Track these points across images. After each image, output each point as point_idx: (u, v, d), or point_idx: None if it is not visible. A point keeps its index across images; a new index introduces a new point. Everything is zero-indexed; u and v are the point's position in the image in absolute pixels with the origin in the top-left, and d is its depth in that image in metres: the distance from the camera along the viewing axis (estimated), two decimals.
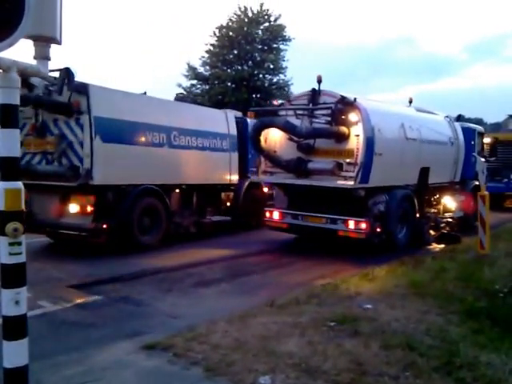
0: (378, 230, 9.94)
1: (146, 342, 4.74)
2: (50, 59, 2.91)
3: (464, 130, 13.75)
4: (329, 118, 9.78)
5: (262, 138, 10.68)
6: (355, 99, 9.67)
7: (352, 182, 9.52)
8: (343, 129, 9.68)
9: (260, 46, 41.72)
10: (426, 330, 5.08)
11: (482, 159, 14.61)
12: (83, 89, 9.09)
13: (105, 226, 9.31)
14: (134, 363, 4.35)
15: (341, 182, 9.66)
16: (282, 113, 10.71)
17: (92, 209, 9.28)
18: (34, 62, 2.88)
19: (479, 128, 15.78)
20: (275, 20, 41.61)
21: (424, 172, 11.45)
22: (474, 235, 9.88)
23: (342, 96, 9.80)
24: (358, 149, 9.59)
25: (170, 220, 10.85)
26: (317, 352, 4.45)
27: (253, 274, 8.45)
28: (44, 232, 10.11)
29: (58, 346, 4.79)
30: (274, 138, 10.83)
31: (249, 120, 13.45)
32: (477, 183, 13.53)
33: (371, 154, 9.59)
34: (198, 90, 42.25)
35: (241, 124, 13.37)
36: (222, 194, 12.95)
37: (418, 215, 11.30)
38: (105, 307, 6.32)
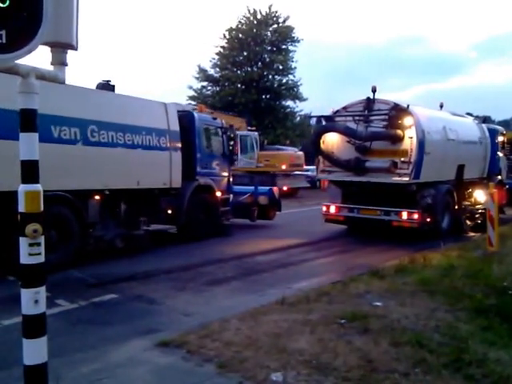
0: (428, 219, 11.39)
1: (160, 340, 4.83)
2: (67, 65, 2.99)
3: (489, 130, 15.25)
4: (385, 123, 11.33)
5: (321, 141, 12.27)
6: (408, 106, 11.23)
7: (407, 178, 11.10)
8: (398, 132, 11.24)
9: (269, 48, 41.81)
10: (436, 327, 5.12)
11: (504, 157, 16.32)
12: None
13: None
14: (149, 360, 4.44)
15: (396, 179, 11.22)
16: (338, 119, 12.28)
17: None
18: (51, 68, 2.97)
19: (501, 129, 17.19)
20: (284, 21, 41.67)
21: (460, 169, 13.02)
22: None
23: (395, 103, 11.46)
24: (411, 149, 11.11)
25: (85, 233, 8.99)
26: (327, 349, 4.51)
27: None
28: None
29: (74, 344, 4.91)
30: (331, 140, 12.34)
31: (196, 114, 12.12)
32: (500, 178, 15.48)
33: (422, 153, 11.08)
34: (208, 92, 42.44)
35: (186, 118, 11.63)
36: (162, 200, 10.78)
37: (456, 207, 12.91)
38: (120, 305, 6.45)
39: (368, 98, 11.76)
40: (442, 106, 14.03)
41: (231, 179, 13.31)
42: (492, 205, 9.73)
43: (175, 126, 10.89)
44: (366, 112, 11.78)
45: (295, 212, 19.20)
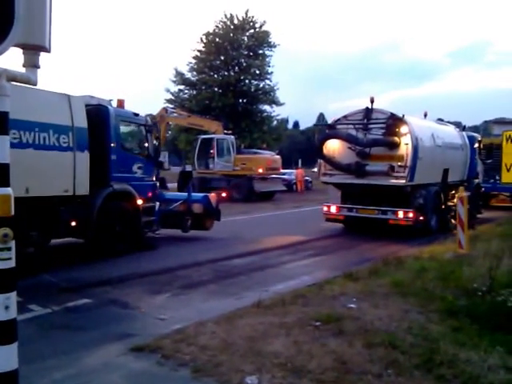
0: (421, 218, 12.59)
1: (134, 344, 4.80)
2: (39, 67, 2.95)
3: (468, 137, 16.52)
4: (383, 131, 12.56)
5: (323, 147, 13.34)
6: (403, 116, 12.51)
7: (404, 181, 12.39)
8: (395, 139, 12.50)
9: (246, 52, 42.03)
10: (408, 328, 5.20)
11: (480, 162, 17.72)
12: None
13: None
14: (123, 365, 4.41)
15: (394, 181, 12.50)
16: (339, 126, 13.39)
17: None
18: (23, 70, 2.93)
19: (478, 136, 18.64)
20: (260, 26, 41.98)
21: (445, 172, 14.25)
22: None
23: (391, 113, 12.73)
24: (407, 154, 12.37)
25: None
26: (302, 351, 4.54)
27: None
28: None
29: (47, 350, 4.82)
30: (332, 146, 13.40)
31: (112, 108, 10.29)
32: (477, 181, 17.08)
33: (416, 158, 12.36)
34: (185, 95, 42.38)
35: (98, 113, 9.87)
36: (63, 211, 8.91)
37: (443, 207, 14.07)
38: (94, 310, 6.36)
39: (367, 108, 12.93)
40: (426, 115, 15.22)
41: (158, 184, 11.83)
42: (462, 208, 9.98)
43: (82, 121, 9.07)
44: (365, 121, 12.95)
45: (270, 215, 19.29)
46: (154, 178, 11.53)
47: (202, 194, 13.19)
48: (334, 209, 13.74)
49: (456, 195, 14.81)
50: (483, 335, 4.98)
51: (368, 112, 12.94)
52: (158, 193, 11.75)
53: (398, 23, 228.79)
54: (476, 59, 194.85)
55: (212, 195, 12.87)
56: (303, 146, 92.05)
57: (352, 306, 6.01)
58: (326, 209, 13.98)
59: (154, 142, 11.50)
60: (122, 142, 10.51)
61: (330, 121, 14.23)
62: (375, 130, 12.77)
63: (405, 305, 6.05)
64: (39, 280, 7.70)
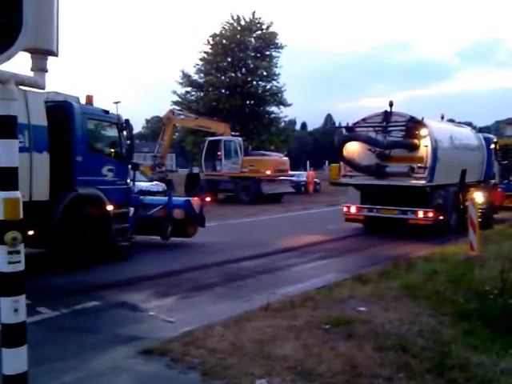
0: (441, 217, 12.95)
1: (143, 347, 4.79)
2: (47, 71, 2.96)
3: (485, 139, 16.89)
4: (403, 133, 12.97)
5: (343, 149, 13.72)
6: (423, 118, 12.95)
7: (423, 181, 12.84)
8: (415, 141, 12.90)
9: (253, 54, 42.08)
10: (419, 331, 5.15)
11: (496, 162, 17.98)
12: None
13: None
14: (132, 368, 4.40)
15: (414, 182, 12.94)
16: (358, 129, 13.81)
17: None
18: (31, 74, 2.93)
19: (494, 137, 18.99)
20: (267, 28, 42.03)
21: (463, 173, 14.62)
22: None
23: (411, 116, 13.13)
24: (426, 156, 12.80)
25: None
26: (312, 355, 4.51)
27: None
28: None
29: (56, 352, 4.83)
30: (352, 148, 13.76)
31: (77, 105, 9.24)
32: (494, 181, 17.40)
33: (435, 159, 12.76)
34: (192, 97, 42.50)
35: (61, 110, 8.96)
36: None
37: (461, 206, 14.04)
38: (102, 312, 6.36)
39: (386, 111, 13.42)
40: (443, 117, 15.65)
41: (133, 187, 10.84)
42: (473, 210, 9.89)
43: (40, 119, 8.20)
44: (385, 123, 13.36)
45: (278, 218, 19.27)
46: (129, 181, 10.40)
47: (183, 199, 12.36)
48: (353, 209, 14.07)
49: (468, 196, 15.08)
50: (495, 338, 4.93)
51: (387, 115, 13.38)
52: (132, 197, 10.65)
53: (407, 22, 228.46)
54: (486, 58, 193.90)
55: (195, 199, 12.00)
56: (311, 147, 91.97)
57: (362, 309, 5.97)
58: (345, 209, 14.31)
59: (128, 141, 10.52)
60: (89, 141, 9.46)
61: (342, 123, 14.95)
62: (395, 133, 13.21)
63: (416, 308, 6.00)
64: (48, 282, 7.73)
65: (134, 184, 10.88)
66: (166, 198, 11.52)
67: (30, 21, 2.55)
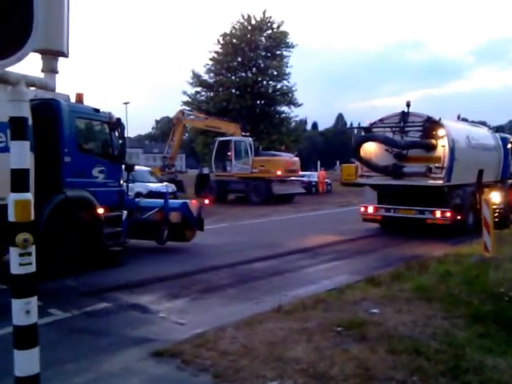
0: (459, 217, 13.01)
1: (154, 349, 4.78)
2: (57, 72, 2.97)
3: (501, 139, 16.86)
4: (420, 133, 13.04)
5: (360, 149, 13.82)
6: (440, 119, 13.03)
7: (441, 181, 12.93)
8: (433, 141, 12.96)
9: (263, 53, 42.01)
10: (433, 334, 5.09)
11: None
12: None
13: None
14: (143, 370, 4.39)
15: (431, 182, 13.03)
16: (375, 129, 13.96)
17: None
18: (41, 76, 2.94)
19: (510, 137, 18.53)
20: (278, 27, 41.93)
21: (480, 173, 14.65)
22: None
23: (428, 116, 13.18)
24: (444, 156, 12.88)
25: None
26: (324, 357, 4.47)
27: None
28: None
29: (67, 354, 4.83)
30: (369, 149, 13.89)
31: (65, 103, 8.82)
32: (510, 181, 17.07)
33: (453, 159, 12.84)
34: (202, 97, 42.54)
35: (47, 109, 8.55)
36: None
37: (478, 206, 13.37)
38: (113, 314, 6.37)
39: (403, 112, 13.47)
40: (459, 117, 15.87)
41: (126, 189, 10.29)
42: (487, 210, 9.76)
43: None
44: (402, 124, 13.44)
45: (289, 218, 19.22)
46: (122, 182, 10.03)
47: (180, 201, 11.94)
48: (371, 209, 14.17)
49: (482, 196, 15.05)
50: (510, 341, 4.86)
51: (404, 115, 13.46)
52: (126, 200, 10.23)
53: (419, 21, 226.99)
54: (500, 56, 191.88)
55: (192, 202, 11.58)
56: (322, 147, 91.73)
57: (374, 311, 5.90)
58: (363, 209, 14.42)
59: (120, 141, 9.96)
60: (78, 141, 9.03)
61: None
62: (412, 133, 13.29)
63: (429, 310, 5.92)
64: (59, 284, 7.75)
65: (127, 186, 10.49)
66: (162, 200, 11.06)
67: (40, 22, 2.54)
